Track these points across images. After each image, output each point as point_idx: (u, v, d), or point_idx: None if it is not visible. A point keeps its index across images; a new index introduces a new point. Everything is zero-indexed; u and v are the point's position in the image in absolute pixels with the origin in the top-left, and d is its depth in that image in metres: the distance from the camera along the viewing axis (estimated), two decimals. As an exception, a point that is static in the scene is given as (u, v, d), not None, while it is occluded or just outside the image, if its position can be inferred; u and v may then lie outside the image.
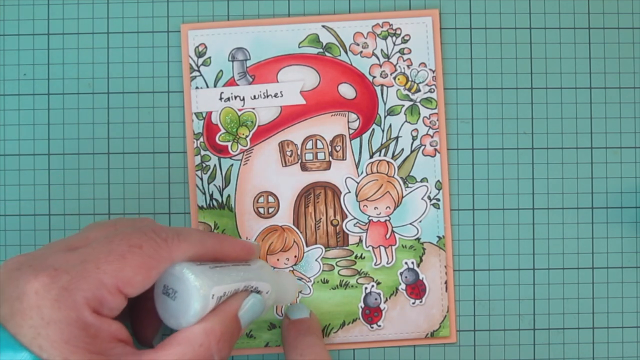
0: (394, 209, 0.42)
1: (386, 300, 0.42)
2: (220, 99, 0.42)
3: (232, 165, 0.42)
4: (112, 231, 0.31)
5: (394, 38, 0.42)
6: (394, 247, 0.42)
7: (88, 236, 0.31)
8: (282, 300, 0.39)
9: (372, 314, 0.42)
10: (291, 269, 0.42)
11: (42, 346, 0.27)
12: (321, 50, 0.42)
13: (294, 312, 0.40)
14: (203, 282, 0.31)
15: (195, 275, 0.31)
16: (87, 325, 0.28)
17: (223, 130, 0.42)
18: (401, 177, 0.42)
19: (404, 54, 0.42)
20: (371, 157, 0.42)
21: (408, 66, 0.42)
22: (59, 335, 0.27)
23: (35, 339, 0.27)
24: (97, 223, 0.34)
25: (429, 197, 0.42)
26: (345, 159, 0.42)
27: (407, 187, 0.42)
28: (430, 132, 0.42)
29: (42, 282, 0.27)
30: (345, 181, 0.42)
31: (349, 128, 0.42)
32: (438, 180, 0.42)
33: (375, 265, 0.42)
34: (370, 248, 0.42)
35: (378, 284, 0.42)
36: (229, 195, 0.42)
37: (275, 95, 0.42)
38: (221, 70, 0.42)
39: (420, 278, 0.42)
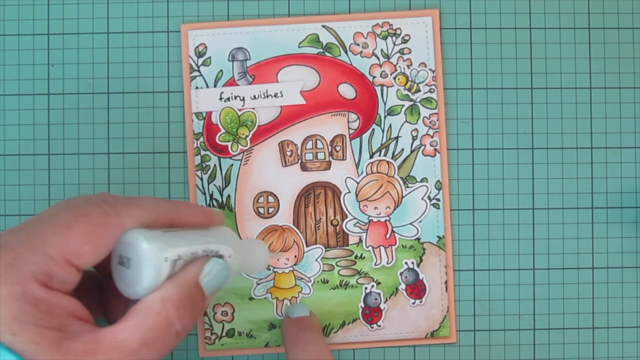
0: (394, 209, 0.42)
1: (386, 300, 0.42)
2: (220, 99, 0.42)
3: (232, 165, 0.42)
4: (63, 205, 0.30)
5: (394, 38, 0.42)
6: (394, 247, 0.42)
7: (42, 213, 0.31)
8: (252, 268, 0.38)
9: (372, 314, 0.42)
10: (291, 269, 0.42)
11: None
12: (321, 50, 0.42)
13: (294, 311, 0.40)
14: (154, 245, 0.30)
15: (146, 239, 0.30)
16: (36, 300, 0.27)
17: (223, 130, 0.42)
18: (401, 177, 0.42)
19: (404, 54, 0.42)
20: (371, 157, 0.42)
21: (408, 66, 0.42)
22: (6, 311, 0.26)
23: None
24: (57, 202, 0.32)
25: (429, 197, 0.42)
26: (345, 159, 0.42)
27: (407, 187, 0.42)
28: (430, 132, 0.42)
29: None
30: (345, 181, 0.42)
31: (349, 128, 0.42)
32: (438, 180, 0.42)
33: (375, 265, 0.42)
34: (370, 248, 0.42)
35: (378, 284, 0.42)
36: (229, 195, 0.42)
37: (275, 95, 0.42)
38: (221, 70, 0.42)
39: (420, 278, 0.42)
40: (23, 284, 0.27)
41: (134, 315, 0.29)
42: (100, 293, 0.35)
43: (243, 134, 0.42)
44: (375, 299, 0.42)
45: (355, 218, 0.42)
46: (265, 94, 0.42)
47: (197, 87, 0.42)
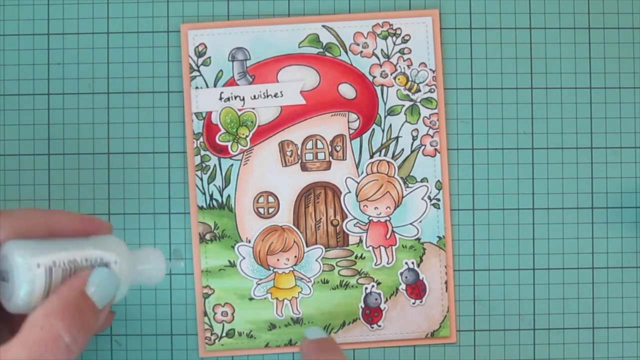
0: (394, 209, 0.42)
1: (386, 300, 0.42)
2: (220, 99, 0.42)
3: (232, 165, 0.42)
4: None
5: (394, 38, 0.42)
6: (394, 247, 0.42)
7: None
8: (148, 276, 0.34)
9: (372, 314, 0.42)
10: (291, 269, 0.42)
11: None
12: (321, 50, 0.42)
13: (312, 333, 0.38)
14: (25, 252, 0.29)
15: (18, 248, 0.29)
16: None
17: (223, 130, 0.42)
18: (401, 177, 0.42)
19: (404, 54, 0.42)
20: (371, 157, 0.42)
21: (408, 66, 0.42)
22: None
23: None
24: None
25: (429, 197, 0.42)
26: (346, 159, 0.42)
27: (407, 187, 0.42)
28: (431, 132, 0.42)
29: None
30: (346, 181, 0.42)
31: (349, 128, 0.42)
32: (438, 180, 0.42)
33: (375, 265, 0.42)
34: (370, 248, 0.42)
35: (378, 284, 0.42)
36: (229, 195, 0.42)
37: (275, 95, 0.42)
38: (221, 70, 0.42)
39: (421, 278, 0.42)
40: None
41: (19, 333, 0.28)
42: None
43: (243, 134, 0.42)
44: (376, 299, 0.42)
45: (355, 218, 0.42)
46: (265, 94, 0.42)
47: (197, 87, 0.42)
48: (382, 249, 0.42)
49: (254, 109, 0.42)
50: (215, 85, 0.42)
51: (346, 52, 0.42)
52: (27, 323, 0.28)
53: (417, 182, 0.42)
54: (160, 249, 0.35)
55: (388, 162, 0.42)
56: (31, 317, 0.28)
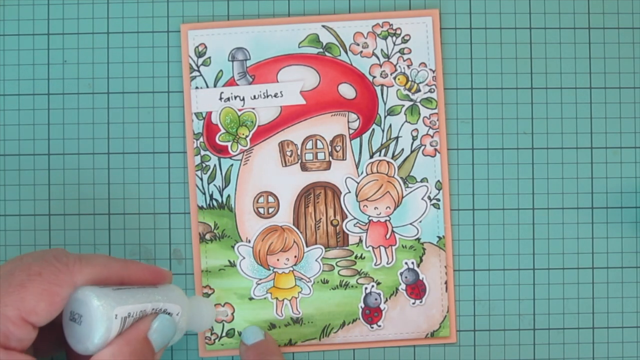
0: (394, 209, 0.42)
1: (386, 300, 0.42)
2: (220, 99, 0.42)
3: (232, 165, 0.42)
4: (15, 262, 0.31)
5: (394, 38, 0.42)
6: (394, 247, 0.42)
7: None
8: (198, 325, 0.38)
9: (372, 314, 0.42)
10: (291, 269, 0.42)
11: None
12: (321, 50, 0.42)
13: (249, 337, 0.40)
14: (105, 302, 0.31)
15: (97, 297, 0.31)
16: None
17: (223, 130, 0.42)
18: (401, 177, 0.42)
19: (404, 54, 0.42)
20: (371, 157, 0.42)
21: (408, 66, 0.42)
22: None
23: None
24: (10, 260, 0.33)
25: (429, 197, 0.42)
26: (345, 159, 0.42)
27: (407, 187, 0.42)
28: (430, 132, 0.42)
29: None
30: (345, 181, 0.42)
31: (349, 128, 0.42)
32: (438, 180, 0.42)
33: (375, 265, 0.42)
34: (370, 248, 0.42)
35: (378, 284, 0.42)
36: (229, 195, 0.42)
37: (275, 95, 0.42)
38: (221, 70, 0.42)
39: (420, 278, 0.42)
40: None
41: None
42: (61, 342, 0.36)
43: (243, 134, 0.42)
44: (375, 299, 0.42)
45: (355, 218, 0.42)
46: (265, 94, 0.42)
47: (197, 87, 0.42)
48: (382, 249, 0.42)
49: (254, 109, 0.42)
50: (215, 85, 0.42)
51: (346, 52, 0.42)
52: None
53: (417, 182, 0.42)
54: (211, 301, 0.40)
55: (388, 162, 0.42)
56: (98, 358, 0.30)
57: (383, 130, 0.42)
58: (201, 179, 0.42)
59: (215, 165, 0.42)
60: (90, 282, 0.31)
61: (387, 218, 0.42)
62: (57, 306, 0.30)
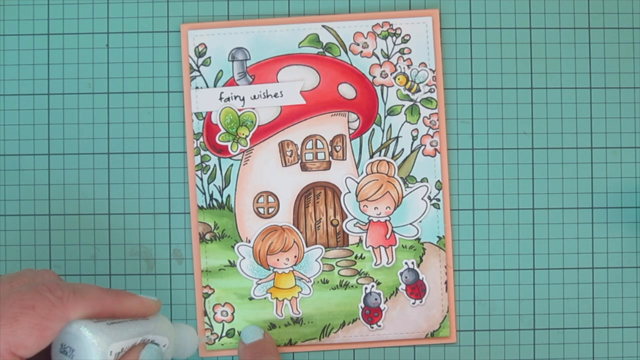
0: (394, 209, 0.42)
1: (386, 300, 0.42)
2: (220, 99, 0.42)
3: (232, 165, 0.42)
4: (6, 290, 0.31)
5: (394, 38, 0.42)
6: (394, 247, 0.42)
7: None
8: (182, 353, 0.38)
9: (372, 314, 0.42)
10: (291, 269, 0.42)
11: None
12: (321, 50, 0.42)
13: (248, 336, 0.40)
14: (101, 339, 0.31)
15: (93, 333, 0.31)
16: None
17: (223, 130, 0.42)
18: (401, 177, 0.42)
19: (404, 53, 0.42)
20: (371, 157, 0.42)
21: (408, 66, 0.42)
22: None
23: None
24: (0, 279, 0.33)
25: (429, 197, 0.42)
26: (345, 159, 0.42)
27: (407, 187, 0.42)
28: (430, 132, 0.42)
29: None
30: (345, 181, 0.42)
31: (349, 128, 0.42)
32: (438, 180, 0.42)
33: (375, 265, 0.42)
34: (370, 248, 0.42)
35: (378, 284, 0.42)
36: (229, 195, 0.42)
37: (275, 95, 0.42)
38: (221, 70, 0.42)
39: (420, 278, 0.42)
40: None
41: None
42: None
43: (243, 134, 0.42)
44: (375, 299, 0.42)
45: (355, 218, 0.42)
46: (265, 94, 0.42)
47: (197, 87, 0.42)
48: (382, 249, 0.42)
49: (254, 109, 0.42)
50: (215, 85, 0.42)
51: (346, 52, 0.42)
52: None
53: (417, 182, 0.42)
54: (193, 328, 0.39)
55: (388, 162, 0.42)
56: None
57: (383, 130, 0.42)
58: (201, 179, 0.42)
59: (215, 165, 0.42)
60: (83, 317, 0.31)
61: (387, 218, 0.42)
62: (47, 340, 0.30)
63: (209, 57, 0.42)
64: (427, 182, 0.42)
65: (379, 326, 0.42)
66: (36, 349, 0.29)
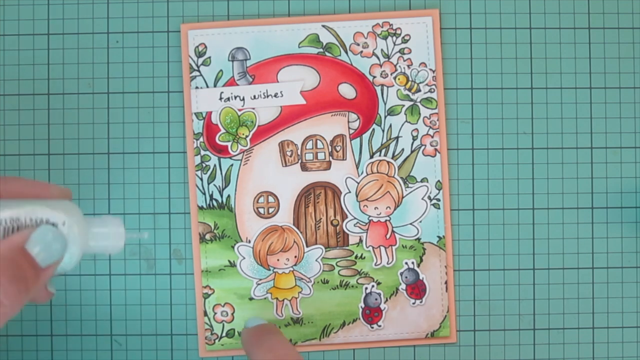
0: (394, 209, 0.42)
1: (386, 300, 0.42)
2: (220, 98, 0.42)
3: (232, 165, 0.42)
4: None
5: (394, 38, 0.42)
6: (394, 247, 0.42)
7: None
8: (105, 243, 0.33)
9: (372, 314, 0.42)
10: (291, 269, 0.42)
11: None
12: (321, 50, 0.42)
13: (252, 322, 0.39)
14: None
15: None
16: None
17: (223, 130, 0.42)
18: (401, 177, 0.42)
19: (404, 54, 0.42)
20: (371, 157, 0.42)
21: (408, 66, 0.42)
22: None
23: None
24: None
25: (429, 197, 0.42)
26: (346, 159, 0.42)
27: (407, 187, 0.42)
28: (431, 132, 0.42)
29: None
30: (346, 181, 0.42)
31: (349, 128, 0.42)
32: (438, 180, 0.42)
33: (375, 265, 0.42)
34: (370, 248, 0.42)
35: (378, 284, 0.42)
36: (229, 195, 0.42)
37: (275, 95, 0.42)
38: (221, 70, 0.42)
39: (421, 278, 0.42)
40: None
41: None
42: None
43: (243, 134, 0.42)
44: (376, 299, 0.42)
45: (355, 218, 0.42)
46: (265, 94, 0.42)
47: (197, 87, 0.42)
48: (382, 249, 0.42)
49: (254, 109, 0.42)
50: (215, 85, 0.42)
51: (346, 52, 0.42)
52: None
53: (417, 182, 0.42)
54: (120, 219, 0.33)
55: (388, 162, 0.42)
56: None
57: (383, 130, 0.42)
58: (201, 179, 0.42)
59: (215, 165, 0.42)
60: None
61: (387, 218, 0.42)
62: None
63: (209, 57, 0.42)
64: (427, 182, 0.42)
65: (379, 326, 0.42)
66: None
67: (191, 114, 0.42)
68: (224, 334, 0.42)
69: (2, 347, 0.42)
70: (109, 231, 0.33)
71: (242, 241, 0.42)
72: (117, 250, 0.33)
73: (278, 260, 0.42)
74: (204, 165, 0.42)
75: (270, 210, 0.42)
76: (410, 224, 0.42)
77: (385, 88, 0.42)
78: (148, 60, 0.43)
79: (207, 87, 0.42)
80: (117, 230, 0.33)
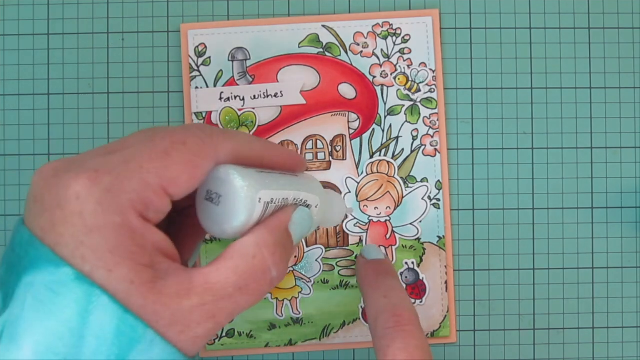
0: (394, 209, 0.42)
1: (386, 300, 0.42)
2: (220, 98, 0.42)
3: (232, 165, 0.42)
4: (155, 131, 0.28)
5: (394, 38, 0.42)
6: (394, 247, 0.42)
7: (127, 140, 0.27)
8: (329, 221, 0.36)
9: (372, 314, 0.42)
10: (291, 269, 0.42)
11: (85, 257, 0.24)
12: (321, 50, 0.42)
13: (370, 253, 0.38)
14: (250, 184, 0.28)
15: (242, 177, 0.28)
16: (133, 231, 0.24)
17: (223, 130, 0.42)
18: (401, 177, 0.42)
19: (404, 54, 0.42)
20: (371, 157, 0.42)
21: (408, 66, 0.42)
22: (102, 243, 0.24)
23: (77, 249, 0.24)
24: (142, 130, 0.30)
25: (429, 197, 0.42)
26: (346, 159, 0.42)
27: (407, 187, 0.42)
28: (431, 132, 0.42)
29: (84, 184, 0.24)
30: (346, 181, 0.42)
31: (349, 128, 0.42)
32: (438, 180, 0.42)
33: (375, 265, 0.42)
34: (370, 248, 0.42)
35: (378, 284, 0.42)
36: (229, 195, 0.42)
37: (275, 95, 0.42)
38: (221, 70, 0.42)
39: (421, 278, 0.42)
40: (122, 213, 0.24)
41: (228, 259, 0.27)
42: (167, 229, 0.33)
43: (243, 134, 0.42)
44: (376, 299, 0.42)
45: (355, 218, 0.42)
46: (265, 94, 0.42)
47: (197, 87, 0.42)
48: (382, 248, 0.42)
49: (254, 109, 0.42)
50: (215, 85, 0.42)
51: (346, 52, 0.42)
52: (238, 250, 0.27)
53: (417, 182, 0.42)
54: (341, 195, 0.38)
55: (388, 162, 0.42)
56: (242, 245, 0.27)
57: (383, 130, 0.42)
58: (201, 179, 0.42)
59: (215, 165, 0.42)
60: (231, 160, 0.28)
61: (387, 218, 0.42)
62: (197, 180, 0.27)
63: (209, 57, 0.42)
64: (427, 182, 0.42)
65: (379, 326, 0.42)
66: (186, 188, 0.26)
67: (191, 114, 0.42)
68: (224, 334, 0.42)
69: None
70: (335, 214, 0.36)
71: (242, 241, 0.42)
72: (335, 224, 0.38)
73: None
74: (204, 165, 0.42)
75: (270, 210, 0.42)
76: (410, 224, 0.42)
77: (385, 88, 0.42)
78: (148, 60, 0.43)
79: (207, 87, 0.42)
80: (341, 215, 0.36)
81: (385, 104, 0.42)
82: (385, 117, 0.42)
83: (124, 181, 0.25)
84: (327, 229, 0.42)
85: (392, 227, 0.42)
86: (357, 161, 0.42)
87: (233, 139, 0.28)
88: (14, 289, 0.24)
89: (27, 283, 0.24)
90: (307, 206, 0.32)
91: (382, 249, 0.41)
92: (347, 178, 0.42)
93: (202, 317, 0.26)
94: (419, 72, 0.42)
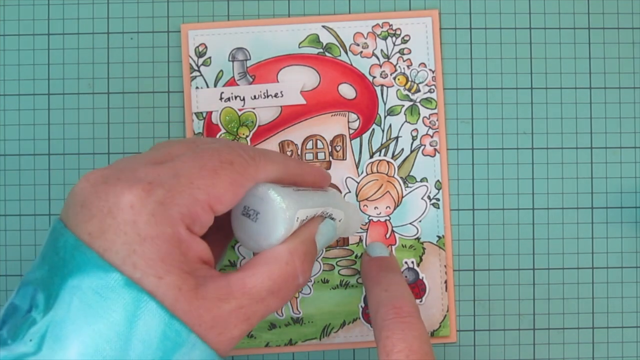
0: (394, 209, 0.42)
1: (386, 300, 0.42)
2: (221, 99, 0.42)
3: (232, 165, 0.42)
4: (196, 146, 0.30)
5: (394, 38, 0.42)
6: (393, 247, 0.42)
7: (170, 152, 0.29)
8: (347, 231, 0.38)
9: (372, 314, 0.42)
10: (291, 269, 0.42)
11: (136, 264, 0.25)
12: (321, 50, 0.42)
13: (374, 250, 0.40)
14: (289, 204, 0.30)
15: (282, 197, 0.30)
16: (181, 242, 0.26)
17: (223, 131, 0.42)
18: (401, 177, 0.42)
19: (404, 54, 0.42)
20: (371, 157, 0.42)
21: (408, 66, 0.42)
22: (155, 252, 0.25)
23: (129, 256, 0.25)
24: (171, 140, 0.32)
25: (428, 197, 0.42)
26: (345, 159, 0.42)
27: (407, 187, 0.42)
28: (430, 132, 0.42)
29: (138, 195, 0.25)
30: (346, 181, 0.42)
31: (349, 128, 0.42)
32: (438, 180, 0.42)
33: (375, 265, 0.42)
34: (370, 248, 0.42)
35: (378, 284, 0.42)
36: (229, 195, 0.42)
37: (276, 95, 0.42)
38: (221, 70, 0.42)
39: (420, 278, 0.42)
40: (173, 225, 0.26)
41: (263, 264, 0.29)
42: None
43: (243, 134, 0.42)
44: (375, 299, 0.42)
45: (355, 218, 0.42)
46: (266, 94, 0.42)
47: (197, 87, 0.42)
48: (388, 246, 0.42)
49: (254, 109, 0.42)
50: (215, 86, 0.42)
51: (346, 53, 0.42)
52: (272, 257, 0.30)
53: (416, 182, 0.42)
54: (357, 207, 0.40)
55: (388, 162, 0.42)
56: (276, 252, 0.30)
57: (383, 130, 0.42)
58: (201, 179, 0.42)
59: (215, 165, 0.42)
60: (269, 180, 0.30)
61: (387, 218, 0.42)
62: (238, 198, 0.29)
63: (209, 57, 0.42)
64: (427, 182, 0.42)
65: (379, 326, 0.42)
66: (229, 205, 0.28)
67: (191, 114, 0.42)
68: (224, 334, 0.42)
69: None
70: (353, 225, 0.38)
71: (242, 241, 0.42)
72: (352, 235, 0.40)
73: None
74: (204, 165, 0.42)
75: (270, 210, 0.42)
76: (410, 223, 0.42)
77: (385, 88, 0.42)
78: (148, 60, 0.43)
79: (208, 87, 0.42)
80: (357, 226, 0.39)
81: (385, 104, 0.42)
82: (385, 117, 0.42)
83: (176, 195, 0.26)
84: (327, 229, 0.42)
85: (392, 227, 0.42)
86: (357, 161, 0.42)
87: (273, 160, 0.31)
88: (58, 291, 0.25)
89: (73, 286, 0.25)
90: (332, 219, 0.34)
91: (387, 248, 0.41)
92: (347, 178, 0.42)
93: (238, 320, 0.27)
94: (418, 72, 0.42)
